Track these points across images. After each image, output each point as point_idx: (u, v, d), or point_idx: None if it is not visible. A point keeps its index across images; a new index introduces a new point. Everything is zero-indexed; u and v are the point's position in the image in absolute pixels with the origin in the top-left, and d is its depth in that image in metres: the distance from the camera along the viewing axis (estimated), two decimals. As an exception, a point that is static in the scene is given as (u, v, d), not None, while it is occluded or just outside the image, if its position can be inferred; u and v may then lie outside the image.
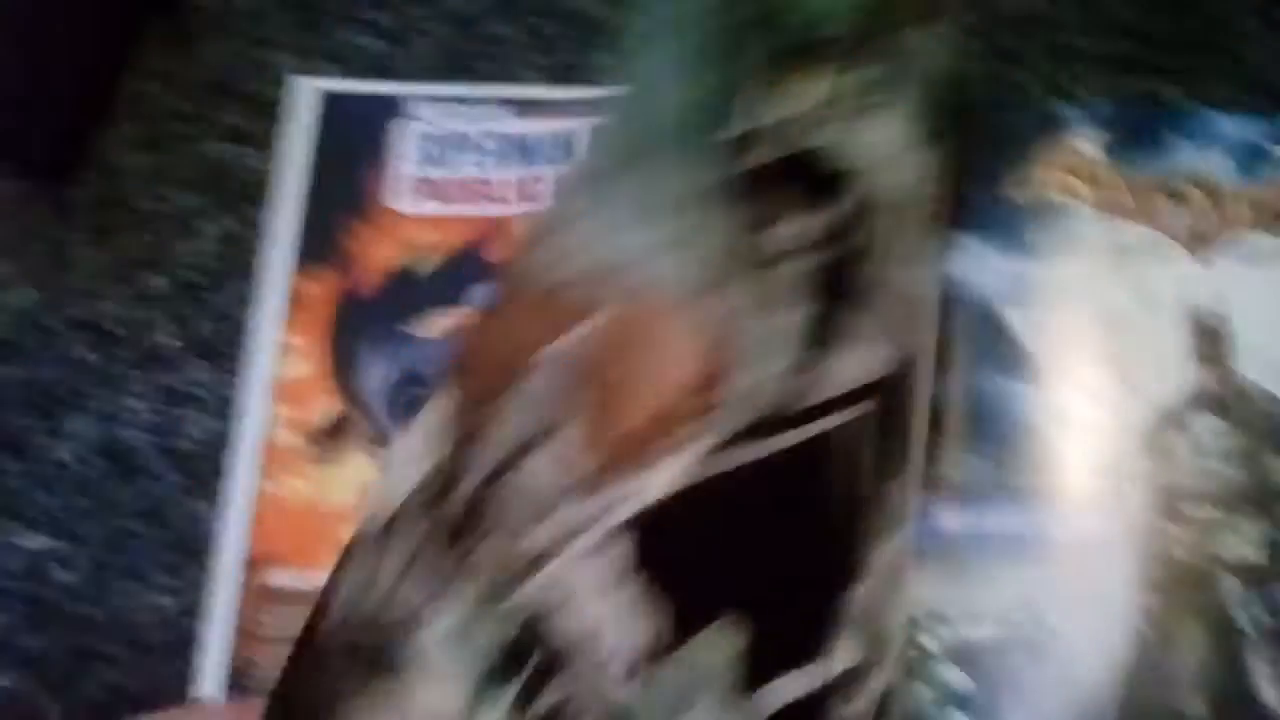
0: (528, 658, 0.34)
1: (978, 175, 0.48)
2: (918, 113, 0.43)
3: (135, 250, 0.52)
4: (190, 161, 0.53)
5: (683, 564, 0.36)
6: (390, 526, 0.37)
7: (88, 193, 0.53)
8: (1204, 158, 0.49)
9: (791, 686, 0.36)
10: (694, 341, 0.37)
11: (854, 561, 0.38)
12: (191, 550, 0.47)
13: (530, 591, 0.35)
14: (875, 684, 0.38)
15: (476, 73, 0.54)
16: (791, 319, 0.38)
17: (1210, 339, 0.47)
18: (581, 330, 0.37)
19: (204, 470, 0.48)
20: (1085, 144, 0.50)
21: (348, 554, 0.37)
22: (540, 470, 0.36)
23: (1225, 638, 0.43)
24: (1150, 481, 0.45)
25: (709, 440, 0.36)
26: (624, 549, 0.35)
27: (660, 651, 0.34)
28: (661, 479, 0.36)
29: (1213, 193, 0.49)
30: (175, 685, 0.45)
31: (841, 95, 0.42)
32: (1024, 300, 0.47)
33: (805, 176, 0.40)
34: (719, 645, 0.35)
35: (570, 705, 0.34)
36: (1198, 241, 0.48)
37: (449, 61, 0.55)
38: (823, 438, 0.38)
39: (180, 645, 0.46)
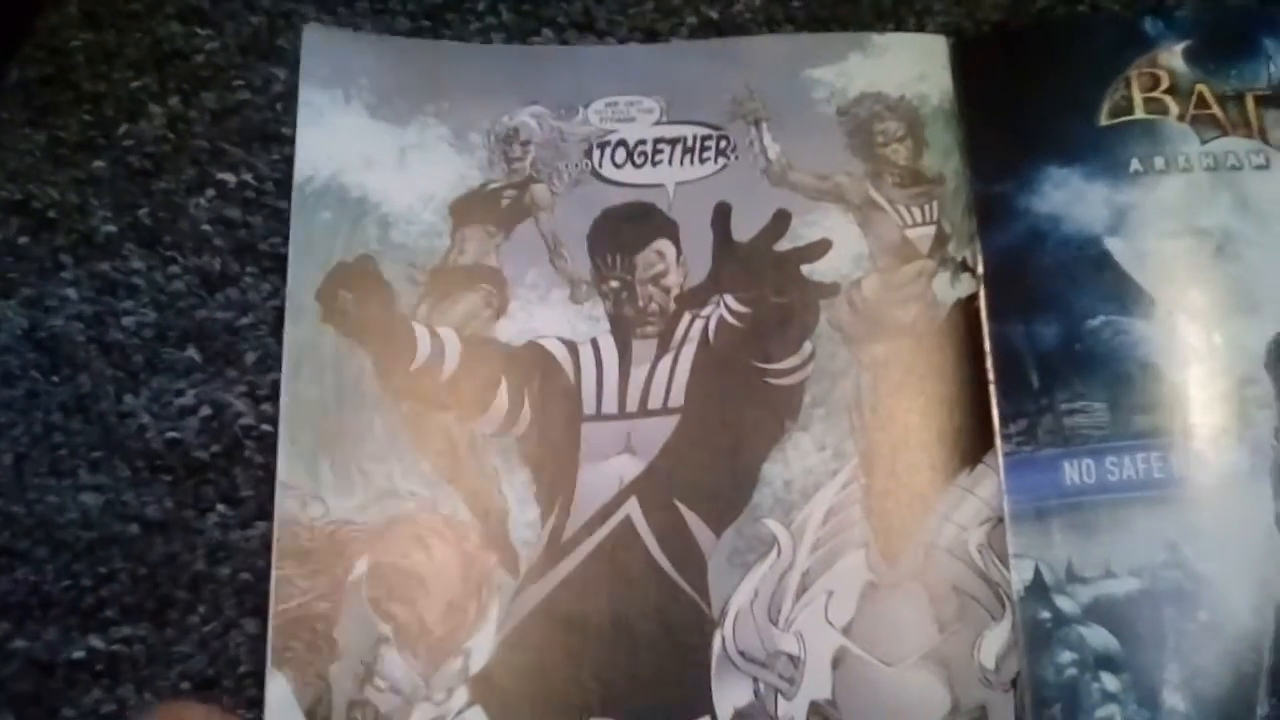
0: None
1: (1069, 105, 0.46)
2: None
3: (75, 131, 0.49)
4: (138, 41, 0.50)
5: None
6: None
7: (29, 71, 0.49)
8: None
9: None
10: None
11: None
12: (119, 446, 0.44)
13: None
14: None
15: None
16: None
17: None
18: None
19: (136, 363, 0.45)
20: (1172, 58, 0.47)
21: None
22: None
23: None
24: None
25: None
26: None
27: None
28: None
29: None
30: (94, 587, 0.43)
31: None
32: (1127, 230, 0.44)
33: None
34: None
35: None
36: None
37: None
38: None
39: (103, 545, 0.43)
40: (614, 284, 0.45)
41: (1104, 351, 0.43)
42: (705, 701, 0.41)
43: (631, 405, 0.44)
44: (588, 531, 0.43)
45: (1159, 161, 0.45)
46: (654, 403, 0.44)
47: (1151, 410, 0.42)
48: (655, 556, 0.42)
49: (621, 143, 0.46)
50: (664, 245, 0.45)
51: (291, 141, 0.48)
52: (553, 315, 0.45)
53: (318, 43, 0.48)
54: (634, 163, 0.46)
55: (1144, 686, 0.40)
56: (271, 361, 0.45)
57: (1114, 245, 0.44)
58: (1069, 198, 0.45)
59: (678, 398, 0.44)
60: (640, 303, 0.45)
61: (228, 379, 0.45)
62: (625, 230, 0.46)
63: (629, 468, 0.43)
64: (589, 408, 0.44)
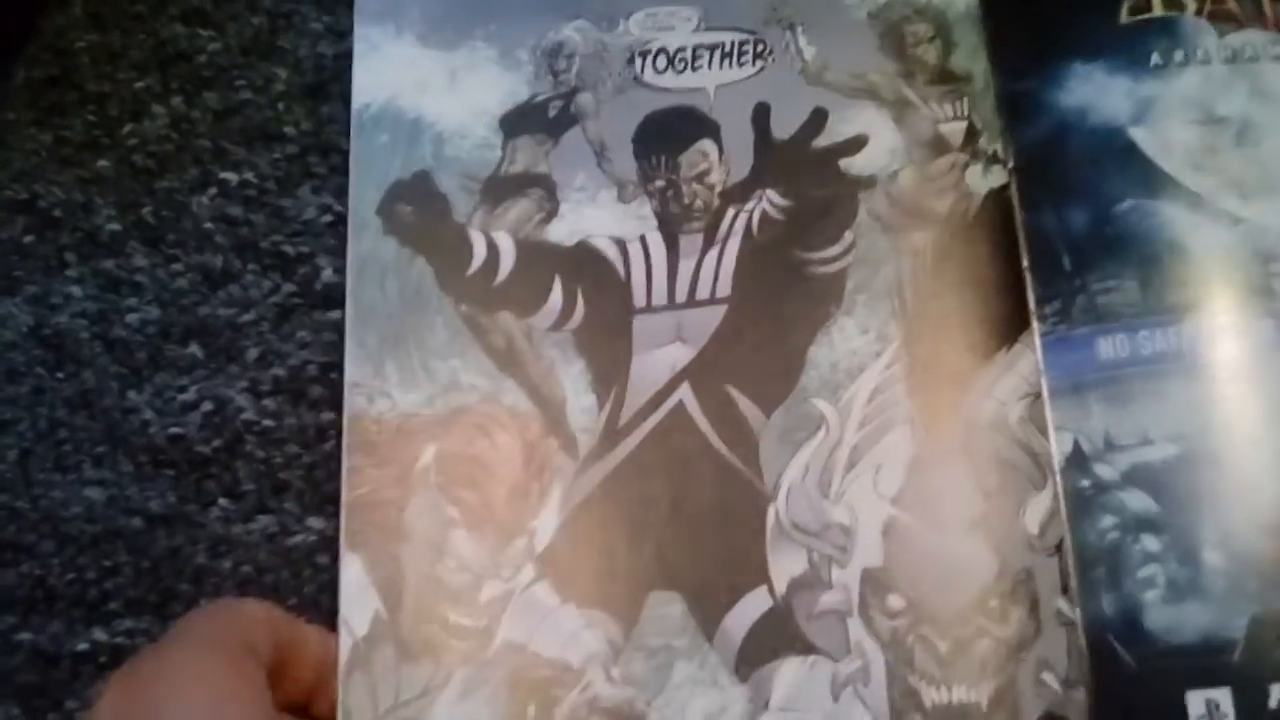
0: None
1: (1090, 4, 0.47)
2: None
3: (80, 131, 0.49)
4: (142, 42, 0.51)
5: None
6: None
7: (33, 72, 0.50)
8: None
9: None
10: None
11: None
12: (123, 442, 0.45)
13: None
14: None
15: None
16: None
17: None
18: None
19: (140, 360, 0.46)
20: None
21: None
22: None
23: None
24: (1303, 279, 0.43)
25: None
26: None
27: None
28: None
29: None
30: (98, 580, 0.44)
31: None
32: (1150, 120, 0.45)
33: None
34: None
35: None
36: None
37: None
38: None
39: (106, 539, 0.44)
40: (660, 183, 0.46)
41: (1132, 233, 0.44)
42: (762, 572, 0.42)
43: (680, 296, 0.45)
44: (642, 416, 0.44)
45: (1178, 55, 0.46)
46: (702, 293, 0.45)
47: (1180, 287, 0.43)
48: (708, 437, 0.43)
49: (662, 50, 0.48)
50: (707, 145, 0.47)
51: (294, 141, 0.49)
52: (602, 215, 0.46)
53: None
54: (675, 69, 0.48)
55: (1183, 546, 0.41)
56: (273, 357, 0.47)
57: (1138, 134, 0.45)
58: (1093, 91, 0.46)
59: (725, 288, 0.45)
60: (686, 200, 0.46)
61: (229, 375, 0.47)
62: (669, 132, 0.47)
63: (680, 355, 0.44)
64: (639, 300, 0.45)
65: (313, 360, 0.46)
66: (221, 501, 0.45)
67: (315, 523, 0.44)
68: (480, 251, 0.45)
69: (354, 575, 0.42)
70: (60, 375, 0.46)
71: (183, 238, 0.48)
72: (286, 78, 0.50)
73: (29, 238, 0.48)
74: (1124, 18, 0.47)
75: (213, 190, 0.48)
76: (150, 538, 0.45)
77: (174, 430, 0.46)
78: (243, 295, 0.47)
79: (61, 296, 0.47)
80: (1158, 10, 0.47)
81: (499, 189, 0.46)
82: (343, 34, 0.49)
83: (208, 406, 0.46)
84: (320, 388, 0.45)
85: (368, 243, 0.46)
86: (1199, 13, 0.47)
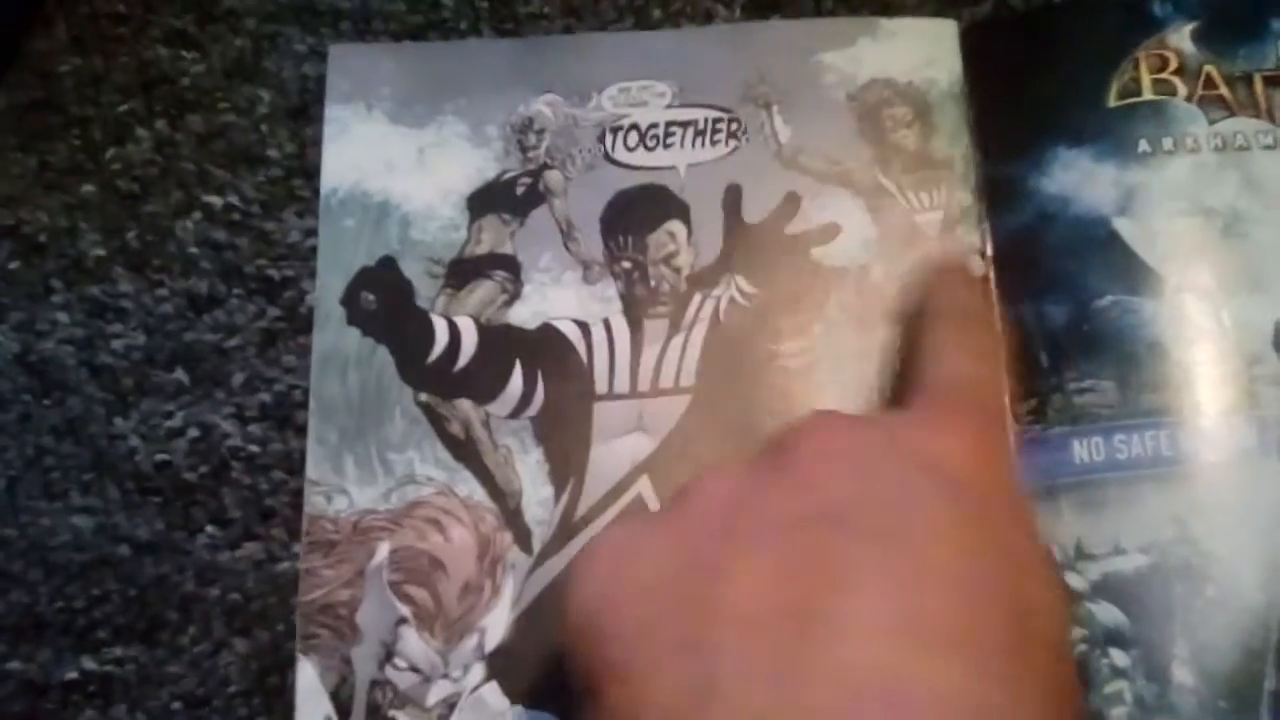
0: None
1: (1078, 87, 0.46)
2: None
3: (64, 156, 0.49)
4: (125, 65, 0.50)
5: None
6: None
7: (16, 96, 0.49)
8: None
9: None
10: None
11: None
12: (110, 469, 0.45)
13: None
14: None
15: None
16: None
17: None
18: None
19: (125, 386, 0.46)
20: (1180, 39, 0.47)
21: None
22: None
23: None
24: (1286, 382, 0.42)
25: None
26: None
27: None
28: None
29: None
30: (87, 608, 0.44)
31: None
32: (1135, 210, 0.45)
33: None
34: None
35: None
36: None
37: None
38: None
39: (95, 566, 0.44)
40: (626, 265, 0.45)
41: (1112, 331, 0.43)
42: (718, 672, 0.41)
43: (643, 385, 0.44)
44: (600, 509, 0.43)
45: (1167, 142, 0.45)
46: (665, 382, 0.44)
47: (1160, 389, 0.42)
48: (667, 534, 0.43)
49: (634, 126, 0.47)
50: (675, 226, 0.46)
51: (278, 164, 0.48)
52: (566, 296, 0.45)
53: (342, 60, 0.48)
54: (646, 146, 0.46)
55: (1153, 662, 0.40)
56: (258, 383, 0.46)
57: (1122, 225, 0.44)
58: (1078, 179, 0.45)
59: (689, 377, 0.44)
60: (652, 283, 0.45)
61: (215, 400, 0.46)
62: (638, 212, 0.46)
63: (641, 446, 0.44)
64: (601, 387, 0.44)
65: (298, 385, 0.46)
66: (209, 528, 0.45)
67: (301, 550, 0.44)
68: (442, 338, 0.45)
69: (307, 681, 0.41)
70: (47, 402, 0.46)
71: (167, 262, 0.47)
72: (270, 100, 0.49)
73: (14, 264, 0.48)
74: (1112, 101, 0.46)
75: (197, 214, 0.48)
76: (138, 565, 0.44)
77: (160, 457, 0.45)
78: (228, 320, 0.47)
79: (47, 323, 0.47)
80: (1147, 94, 0.46)
81: (463, 271, 0.46)
82: (325, 56, 0.49)
83: (194, 433, 0.46)
84: (304, 412, 0.45)
85: (331, 335, 0.45)
86: (1189, 98, 0.46)
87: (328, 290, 0.46)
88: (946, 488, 0.32)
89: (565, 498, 0.43)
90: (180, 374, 0.46)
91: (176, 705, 0.43)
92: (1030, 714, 0.28)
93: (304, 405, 0.45)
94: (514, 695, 0.41)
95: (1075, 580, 0.41)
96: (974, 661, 0.28)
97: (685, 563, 0.32)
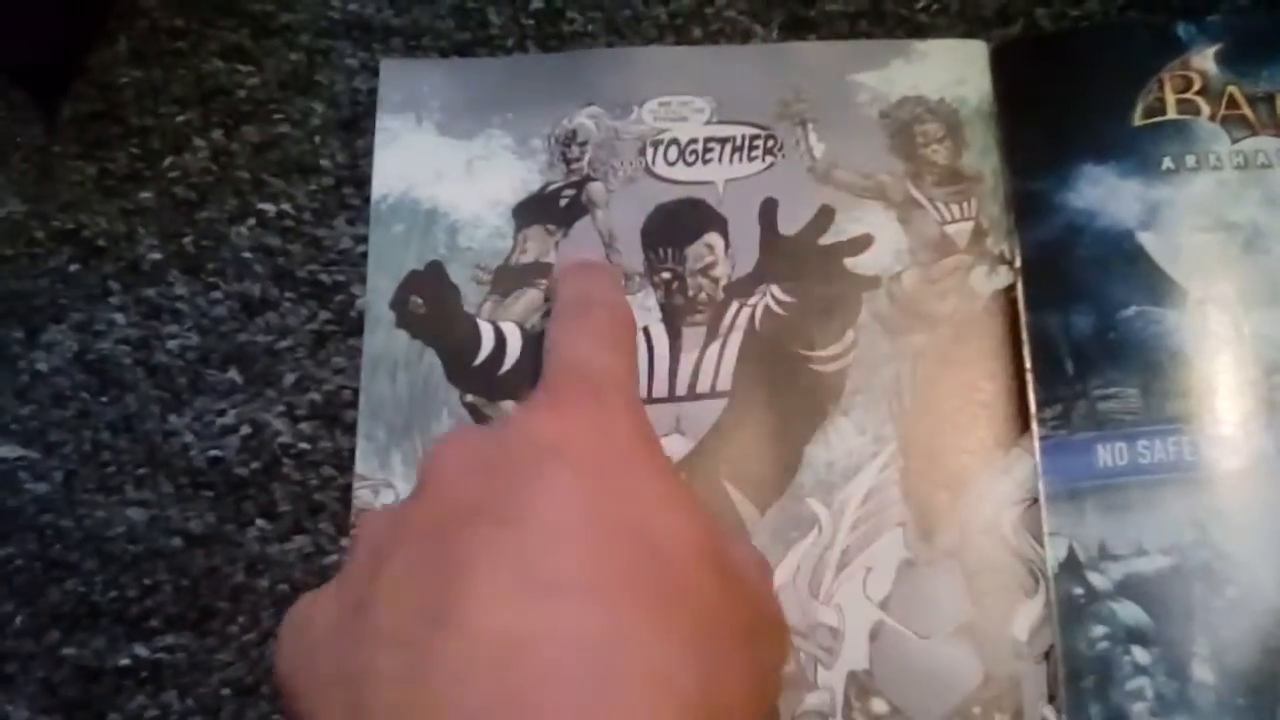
0: None
1: (1104, 106, 0.47)
2: None
3: (124, 164, 0.50)
4: (183, 77, 0.51)
5: None
6: None
7: (79, 107, 0.51)
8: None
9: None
10: None
11: None
12: (163, 464, 0.46)
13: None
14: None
15: None
16: None
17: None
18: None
19: (180, 384, 0.47)
20: (1204, 61, 0.48)
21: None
22: None
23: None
24: (1306, 393, 0.43)
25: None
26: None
27: None
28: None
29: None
30: (139, 598, 0.45)
31: None
32: (1159, 225, 0.45)
33: None
34: None
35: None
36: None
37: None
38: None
39: (148, 558, 0.46)
40: (665, 275, 0.47)
41: (1136, 340, 0.44)
42: (749, 669, 0.42)
43: (681, 389, 0.46)
44: (640, 508, 0.44)
45: (1190, 160, 0.46)
46: (702, 386, 0.46)
47: (1182, 396, 0.43)
48: (702, 534, 0.44)
49: (674, 141, 0.48)
50: (714, 238, 0.47)
51: (329, 174, 0.50)
52: (607, 305, 0.47)
53: (393, 74, 0.50)
54: (685, 161, 0.48)
55: (1174, 659, 0.41)
56: (308, 383, 0.47)
57: (1146, 239, 0.45)
58: (1104, 194, 0.46)
59: (725, 382, 0.46)
60: (690, 292, 0.47)
61: (267, 399, 0.47)
62: (677, 224, 0.48)
63: (678, 447, 0.45)
64: (640, 391, 0.46)
65: (347, 385, 0.47)
66: (259, 522, 0.46)
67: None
68: (488, 342, 0.46)
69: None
70: (104, 399, 0.47)
71: (222, 266, 0.49)
72: (322, 112, 0.50)
73: (74, 266, 0.49)
74: (1137, 120, 0.47)
75: (251, 221, 0.49)
76: (190, 557, 0.45)
77: (213, 453, 0.47)
78: (280, 322, 0.48)
79: (105, 323, 0.48)
80: (1171, 113, 0.47)
81: (509, 279, 0.47)
82: (376, 70, 0.50)
83: (246, 430, 0.47)
84: (353, 411, 0.46)
85: (380, 337, 0.47)
86: (1212, 117, 0.47)
87: (377, 294, 0.47)
88: (570, 460, 0.34)
89: (605, 496, 0.44)
90: (233, 373, 0.48)
91: (226, 692, 0.44)
92: (665, 632, 0.31)
93: (352, 405, 0.46)
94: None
95: (1098, 579, 0.42)
96: (599, 599, 0.31)
97: (345, 603, 0.33)
